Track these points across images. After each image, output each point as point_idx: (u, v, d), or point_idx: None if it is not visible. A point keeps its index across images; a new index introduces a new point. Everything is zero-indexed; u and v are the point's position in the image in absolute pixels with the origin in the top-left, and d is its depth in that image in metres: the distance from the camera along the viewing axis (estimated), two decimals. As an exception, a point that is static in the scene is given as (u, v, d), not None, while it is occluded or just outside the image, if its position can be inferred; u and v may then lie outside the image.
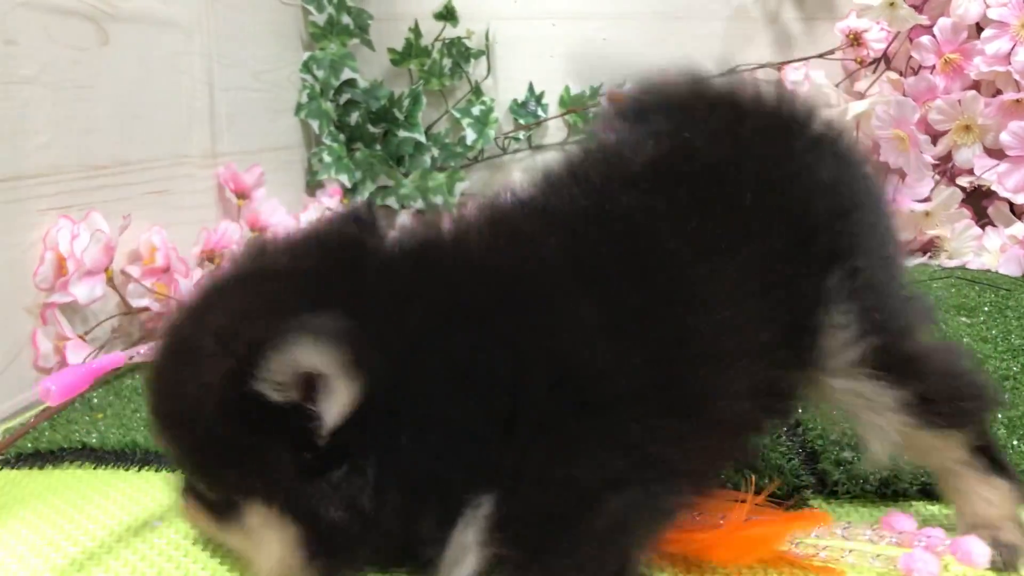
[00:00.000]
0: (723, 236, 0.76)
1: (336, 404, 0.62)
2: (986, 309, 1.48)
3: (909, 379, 0.78)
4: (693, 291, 0.73)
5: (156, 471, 0.96)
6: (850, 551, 0.79)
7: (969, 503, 0.81)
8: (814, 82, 2.15)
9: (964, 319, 1.43)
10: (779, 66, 2.16)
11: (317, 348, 0.60)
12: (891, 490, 0.92)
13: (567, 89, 2.32)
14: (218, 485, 0.69)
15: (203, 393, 0.64)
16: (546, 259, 0.71)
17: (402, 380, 0.65)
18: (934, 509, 0.91)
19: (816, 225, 0.78)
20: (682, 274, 0.74)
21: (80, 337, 1.16)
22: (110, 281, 1.21)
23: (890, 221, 0.88)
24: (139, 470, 0.97)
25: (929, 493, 0.92)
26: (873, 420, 0.79)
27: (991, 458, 0.81)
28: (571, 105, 2.32)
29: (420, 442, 0.65)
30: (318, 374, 0.61)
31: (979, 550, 0.76)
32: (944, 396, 0.79)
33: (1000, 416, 1.06)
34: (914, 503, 0.91)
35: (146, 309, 1.29)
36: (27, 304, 1.13)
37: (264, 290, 0.68)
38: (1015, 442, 1.00)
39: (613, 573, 0.68)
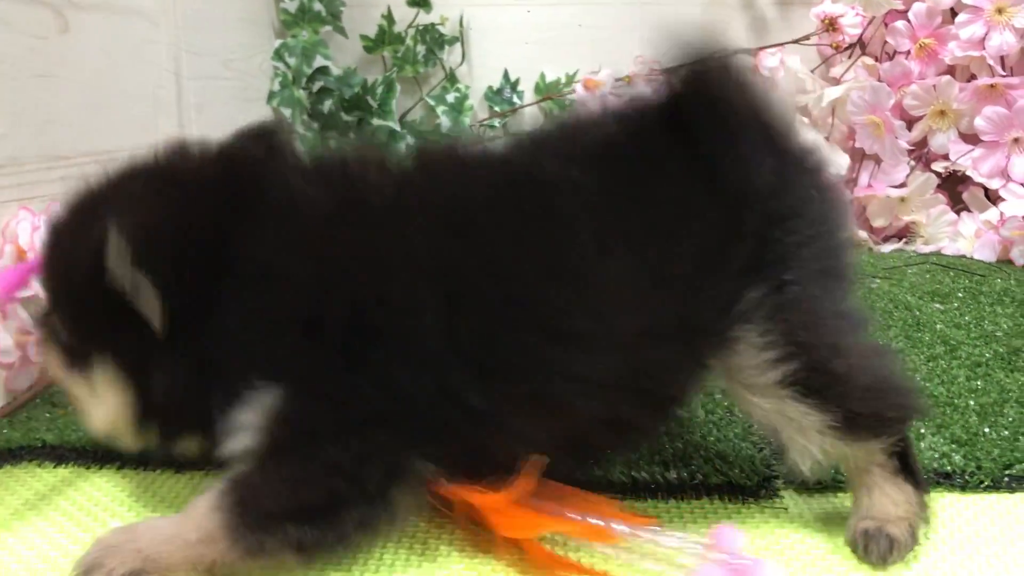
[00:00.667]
0: (628, 223, 0.76)
1: (143, 294, 0.73)
2: (960, 295, 1.48)
3: (835, 400, 0.77)
4: (572, 269, 0.74)
5: (118, 469, 0.94)
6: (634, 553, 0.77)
7: (872, 498, 0.81)
8: (789, 67, 2.14)
9: (938, 305, 1.43)
10: (754, 52, 2.15)
11: (118, 246, 0.71)
12: (862, 480, 0.91)
13: (542, 76, 2.30)
14: (79, 334, 0.80)
15: (79, 253, 0.75)
16: (423, 203, 0.78)
17: (227, 279, 0.75)
18: (904, 498, 0.90)
19: (743, 231, 0.77)
20: (567, 249, 0.74)
21: (42, 332, 1.13)
22: (73, 274, 1.19)
23: (838, 232, 0.84)
24: (100, 468, 0.94)
25: (900, 482, 0.91)
26: (796, 439, 0.79)
27: (904, 462, 0.81)
28: (547, 92, 2.30)
29: (229, 330, 0.75)
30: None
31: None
32: (869, 412, 0.78)
33: (972, 403, 1.06)
34: (885, 492, 0.91)
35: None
36: (-14, 299, 1.11)
37: (143, 186, 0.79)
38: (986, 429, 0.99)
39: (369, 474, 0.73)
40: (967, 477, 0.91)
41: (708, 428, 1.02)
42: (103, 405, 0.79)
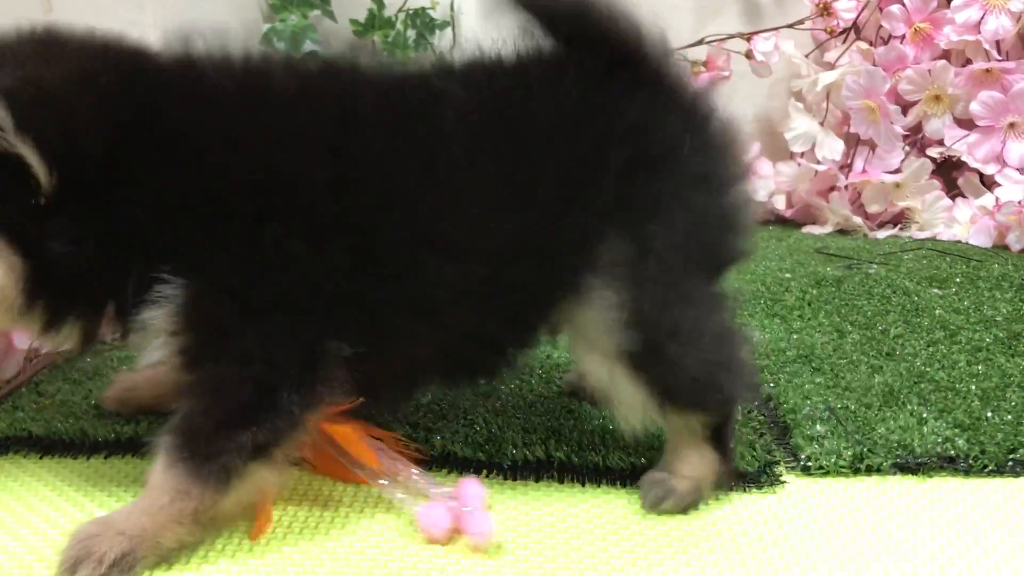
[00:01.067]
0: (499, 143, 0.78)
1: (35, 160, 0.69)
2: (958, 280, 1.46)
3: (660, 382, 0.80)
4: (444, 176, 0.78)
5: (104, 459, 0.92)
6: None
7: (671, 455, 0.86)
8: (784, 52, 2.12)
9: (936, 290, 1.42)
10: (748, 36, 2.13)
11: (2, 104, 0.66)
12: (864, 465, 0.90)
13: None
14: None
15: None
16: (319, 97, 0.79)
17: (129, 153, 0.72)
18: (910, 483, 0.89)
19: (608, 166, 0.78)
20: (441, 156, 0.77)
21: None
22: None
23: (723, 188, 0.83)
24: (88, 459, 0.92)
25: (903, 468, 0.90)
26: (621, 407, 0.83)
27: (719, 437, 0.85)
28: (539, 78, 2.28)
29: (132, 210, 0.73)
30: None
31: (482, 526, 0.77)
32: (689, 400, 0.83)
33: (973, 388, 1.05)
34: (889, 477, 0.90)
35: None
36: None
37: (31, 49, 0.75)
38: (989, 414, 0.98)
39: (286, 357, 0.75)
40: (971, 462, 0.90)
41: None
42: None
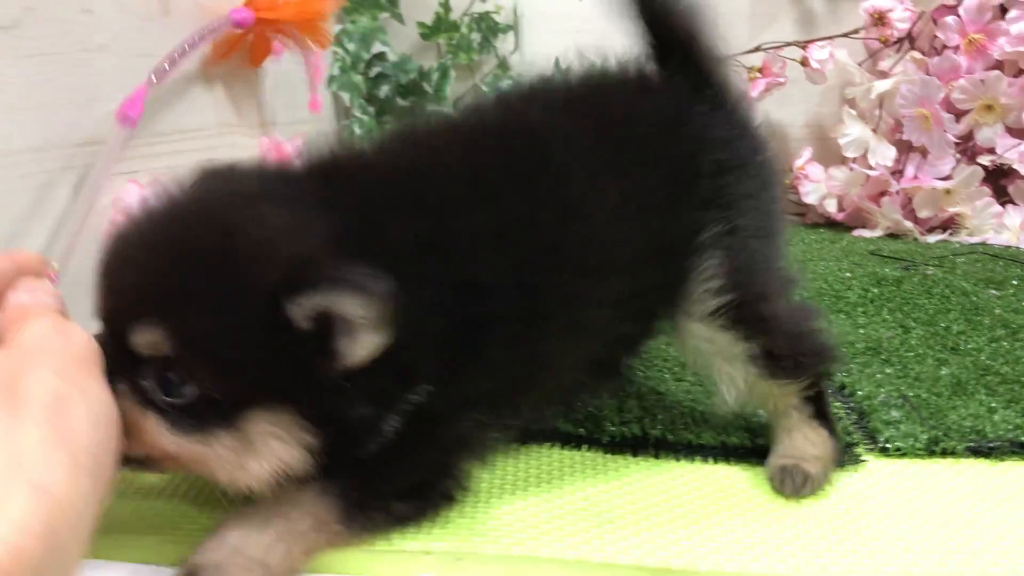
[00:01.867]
0: (612, 164, 0.85)
1: (361, 350, 0.66)
2: (1014, 282, 1.52)
3: (758, 336, 0.88)
4: (576, 207, 0.82)
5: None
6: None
7: (791, 439, 0.92)
8: (838, 61, 2.18)
9: (994, 291, 1.47)
10: (803, 44, 2.19)
11: (361, 303, 0.64)
12: (940, 448, 0.97)
13: (594, 65, 2.35)
14: (226, 384, 0.65)
15: (234, 291, 0.65)
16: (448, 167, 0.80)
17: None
18: (982, 466, 0.95)
19: (701, 172, 0.88)
20: (571, 192, 0.82)
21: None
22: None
23: (776, 193, 0.96)
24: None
25: (977, 451, 0.97)
26: (723, 368, 0.90)
27: (819, 408, 0.92)
28: (597, 81, 2.35)
29: (401, 354, 0.69)
30: (348, 319, 0.65)
31: None
32: (787, 352, 0.89)
33: (1038, 383, 1.10)
34: (962, 460, 0.96)
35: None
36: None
37: (284, 211, 0.70)
38: (1054, 409, 1.04)
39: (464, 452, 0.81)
40: (1040, 447, 0.96)
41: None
42: (264, 462, 0.68)
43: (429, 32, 2.30)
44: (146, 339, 0.65)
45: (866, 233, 2.12)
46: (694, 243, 0.87)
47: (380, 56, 2.26)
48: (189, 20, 1.39)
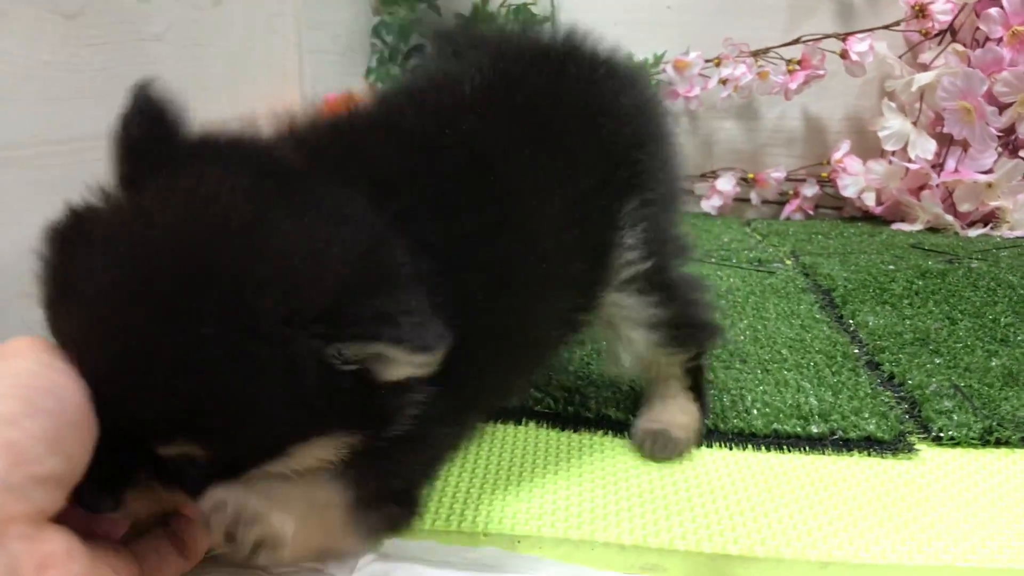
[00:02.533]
0: (550, 165, 0.82)
1: (398, 375, 0.58)
2: (1061, 275, 1.51)
3: (665, 301, 0.92)
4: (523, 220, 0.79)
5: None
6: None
7: (664, 405, 0.97)
8: (878, 53, 2.17)
9: (1041, 284, 1.46)
10: (843, 37, 2.18)
11: (414, 355, 0.56)
12: (994, 437, 0.96)
13: (631, 56, 2.35)
14: (263, 450, 0.59)
15: (271, 363, 0.53)
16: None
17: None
18: (1037, 456, 0.95)
19: (620, 154, 0.88)
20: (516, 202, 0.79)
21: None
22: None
23: (676, 160, 0.98)
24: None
25: (1032, 441, 0.96)
26: (628, 333, 0.93)
27: (696, 382, 0.98)
28: (634, 73, 2.35)
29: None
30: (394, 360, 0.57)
31: None
32: (684, 322, 0.94)
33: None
34: (1017, 450, 0.96)
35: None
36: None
37: (314, 232, 0.57)
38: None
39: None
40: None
41: (839, 386, 1.07)
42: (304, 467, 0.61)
43: (466, 23, 2.30)
44: (177, 451, 0.56)
45: (905, 227, 2.11)
46: (618, 217, 0.88)
47: (418, 48, 2.27)
48: (240, 10, 1.41)
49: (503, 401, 0.95)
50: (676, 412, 0.97)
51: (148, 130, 0.60)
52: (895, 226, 2.13)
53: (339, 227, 0.58)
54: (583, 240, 0.84)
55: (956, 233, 2.03)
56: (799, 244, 1.87)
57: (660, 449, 0.94)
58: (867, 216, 2.25)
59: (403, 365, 0.57)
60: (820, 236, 1.99)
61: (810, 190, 2.31)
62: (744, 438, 0.97)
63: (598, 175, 0.86)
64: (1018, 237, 1.96)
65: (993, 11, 2.05)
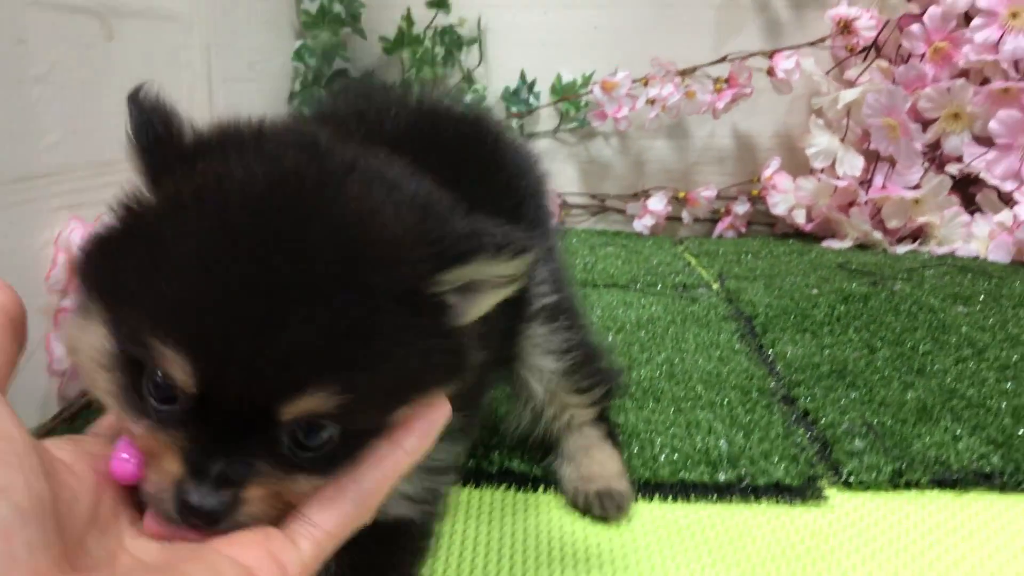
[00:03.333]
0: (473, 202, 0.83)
1: (485, 307, 0.60)
2: (982, 298, 1.51)
3: (572, 326, 0.93)
4: None
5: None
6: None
7: (591, 458, 0.95)
8: (804, 70, 2.16)
9: (961, 308, 1.46)
10: (769, 54, 2.18)
11: (513, 262, 0.57)
12: (903, 480, 0.94)
13: (559, 77, 2.33)
14: (384, 408, 0.56)
15: (395, 308, 0.53)
16: None
17: None
18: (947, 498, 0.93)
19: (522, 199, 0.91)
20: None
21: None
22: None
23: (549, 203, 1.03)
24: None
25: (940, 483, 0.95)
26: (539, 362, 0.92)
27: (609, 429, 0.98)
28: (563, 93, 2.33)
29: None
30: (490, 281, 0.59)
31: None
32: (583, 359, 0.94)
33: (1004, 405, 1.09)
34: (927, 492, 0.94)
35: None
36: (40, 306, 1.12)
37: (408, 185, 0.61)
38: (1020, 431, 1.02)
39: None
40: (1005, 478, 0.94)
41: (752, 425, 1.05)
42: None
43: (392, 47, 2.27)
44: (306, 408, 0.52)
45: (835, 244, 2.10)
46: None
47: (342, 71, 2.22)
48: (137, 46, 1.36)
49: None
50: (606, 462, 0.95)
51: (162, 130, 0.60)
52: (825, 243, 2.13)
53: (401, 185, 0.60)
54: None
55: (885, 250, 2.04)
56: (727, 266, 1.86)
57: (613, 509, 0.91)
58: (798, 233, 2.25)
59: (498, 285, 0.58)
60: (750, 256, 1.98)
61: (741, 208, 2.30)
62: (650, 488, 0.94)
63: (509, 215, 0.85)
64: (946, 253, 1.96)
65: (915, 27, 2.06)
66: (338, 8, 2.21)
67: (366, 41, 2.27)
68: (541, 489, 0.97)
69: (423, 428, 0.58)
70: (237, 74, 1.82)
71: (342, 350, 0.51)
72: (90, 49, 1.23)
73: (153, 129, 0.60)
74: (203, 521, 0.51)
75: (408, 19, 2.24)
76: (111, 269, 0.55)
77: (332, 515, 0.54)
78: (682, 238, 2.32)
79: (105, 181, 1.25)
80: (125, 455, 0.54)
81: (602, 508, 0.91)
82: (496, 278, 0.58)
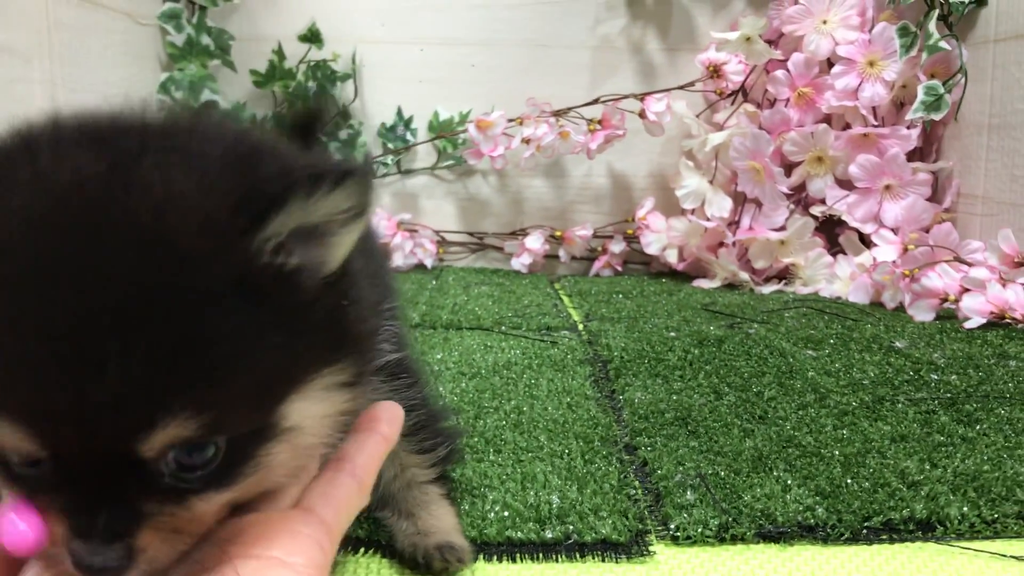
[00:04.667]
0: None
1: (342, 249, 0.54)
2: (831, 342, 1.53)
3: (414, 383, 0.91)
4: None
5: None
6: None
7: (430, 514, 0.92)
8: (676, 112, 2.20)
9: (811, 352, 1.48)
10: (642, 96, 2.20)
11: (348, 193, 0.51)
12: (730, 534, 0.94)
13: (436, 114, 2.32)
14: (255, 410, 0.52)
15: (213, 269, 0.48)
16: None
17: None
18: (772, 551, 0.93)
19: (374, 255, 0.90)
20: None
21: None
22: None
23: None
24: None
25: (766, 537, 0.94)
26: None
27: (448, 488, 0.96)
28: (440, 130, 2.32)
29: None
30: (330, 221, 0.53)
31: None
32: (425, 418, 0.92)
33: (837, 453, 1.10)
34: (752, 547, 0.93)
35: None
36: None
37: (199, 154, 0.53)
38: (848, 480, 1.03)
39: None
40: (828, 530, 0.94)
41: (588, 477, 1.03)
42: (319, 436, 0.58)
43: (263, 80, 2.22)
44: (168, 438, 0.48)
45: (705, 284, 2.13)
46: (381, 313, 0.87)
47: (210, 104, 2.17)
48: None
49: None
50: (444, 517, 0.92)
51: None
52: (696, 282, 2.15)
53: (206, 151, 0.53)
54: None
55: (752, 290, 2.07)
56: (596, 306, 1.86)
57: (454, 561, 0.88)
58: (672, 272, 2.27)
59: (343, 222, 0.52)
60: (621, 295, 1.98)
61: (617, 247, 2.31)
62: (477, 547, 0.91)
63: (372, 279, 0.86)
64: (809, 293, 2.00)
65: (779, 73, 2.11)
66: (206, 40, 2.16)
67: (236, 74, 2.22)
68: (366, 552, 0.93)
69: (389, 415, 0.63)
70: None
71: (179, 368, 0.46)
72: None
73: None
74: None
75: (280, 52, 2.21)
76: None
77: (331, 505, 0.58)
78: (559, 276, 2.32)
79: None
80: (15, 519, 0.48)
81: (443, 560, 0.88)
82: (333, 214, 0.51)
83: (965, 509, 0.96)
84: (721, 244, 2.13)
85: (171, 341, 0.46)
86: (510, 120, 2.20)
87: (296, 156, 0.56)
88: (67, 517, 0.48)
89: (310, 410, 0.54)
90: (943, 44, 1.93)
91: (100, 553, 0.47)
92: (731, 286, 2.11)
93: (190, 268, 0.47)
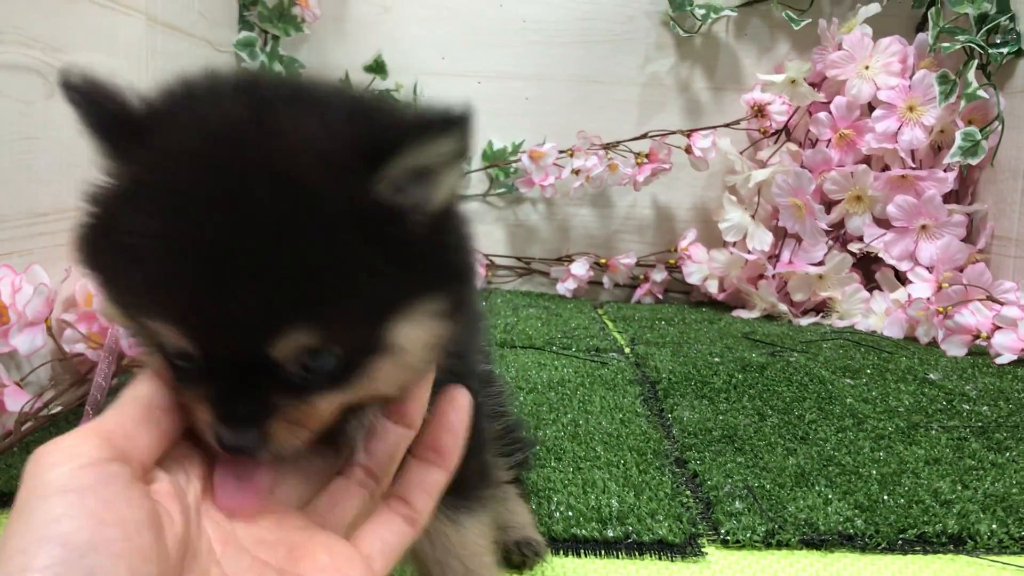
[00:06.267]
0: None
1: (445, 190, 0.59)
2: (868, 372, 1.61)
3: (498, 395, 0.99)
4: None
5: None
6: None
7: (509, 511, 1.00)
8: (720, 149, 2.29)
9: (849, 380, 1.56)
10: (688, 133, 2.30)
11: (451, 140, 0.56)
12: (775, 540, 1.03)
13: (490, 144, 2.43)
14: (367, 324, 0.58)
15: (346, 220, 0.55)
16: None
17: None
18: (814, 557, 1.01)
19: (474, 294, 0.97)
20: None
21: (17, 384, 1.19)
22: (48, 329, 1.24)
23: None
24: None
25: (809, 544, 1.03)
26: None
27: (523, 489, 1.05)
28: (493, 159, 2.42)
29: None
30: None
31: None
32: (512, 424, 1.01)
33: (874, 472, 1.18)
34: (796, 552, 1.02)
35: (81, 355, 1.32)
36: (-29, 350, 1.16)
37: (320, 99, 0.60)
38: (885, 496, 1.11)
39: None
40: (867, 540, 1.03)
41: (643, 485, 1.12)
42: (420, 357, 0.63)
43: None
44: (294, 345, 0.56)
45: (744, 314, 2.22)
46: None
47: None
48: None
49: None
50: (522, 513, 1.00)
51: (112, 107, 0.60)
52: (735, 312, 2.24)
53: (330, 100, 0.60)
54: None
55: (789, 321, 2.15)
56: (640, 331, 1.95)
57: (531, 555, 0.96)
58: (712, 301, 2.36)
59: (448, 163, 0.57)
60: (663, 322, 2.07)
61: (659, 275, 2.40)
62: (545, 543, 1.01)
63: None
64: (845, 327, 2.08)
65: (822, 115, 2.21)
66: (278, 67, 2.28)
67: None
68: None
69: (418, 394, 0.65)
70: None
71: (303, 288, 0.54)
72: (30, 105, 1.29)
73: (101, 109, 0.60)
74: (246, 455, 0.58)
75: (346, 83, 2.32)
76: (96, 251, 0.59)
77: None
78: (602, 302, 2.41)
79: (37, 230, 1.30)
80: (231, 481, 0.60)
81: (521, 555, 0.96)
82: (440, 157, 0.57)
83: (994, 526, 1.04)
84: (761, 276, 2.22)
85: (298, 265, 0.53)
86: (561, 151, 2.31)
87: (405, 109, 0.63)
88: (213, 405, 0.57)
89: (412, 332, 0.60)
90: (981, 92, 2.02)
91: (241, 435, 0.57)
92: (770, 317, 2.19)
93: (317, 203, 0.54)
